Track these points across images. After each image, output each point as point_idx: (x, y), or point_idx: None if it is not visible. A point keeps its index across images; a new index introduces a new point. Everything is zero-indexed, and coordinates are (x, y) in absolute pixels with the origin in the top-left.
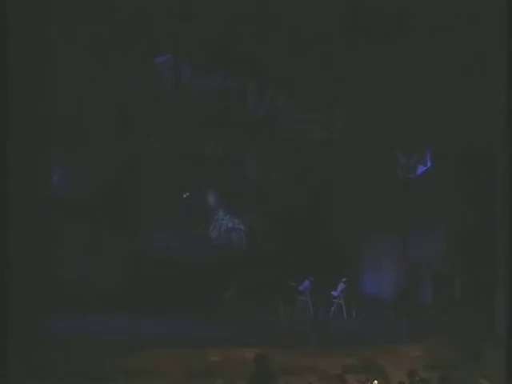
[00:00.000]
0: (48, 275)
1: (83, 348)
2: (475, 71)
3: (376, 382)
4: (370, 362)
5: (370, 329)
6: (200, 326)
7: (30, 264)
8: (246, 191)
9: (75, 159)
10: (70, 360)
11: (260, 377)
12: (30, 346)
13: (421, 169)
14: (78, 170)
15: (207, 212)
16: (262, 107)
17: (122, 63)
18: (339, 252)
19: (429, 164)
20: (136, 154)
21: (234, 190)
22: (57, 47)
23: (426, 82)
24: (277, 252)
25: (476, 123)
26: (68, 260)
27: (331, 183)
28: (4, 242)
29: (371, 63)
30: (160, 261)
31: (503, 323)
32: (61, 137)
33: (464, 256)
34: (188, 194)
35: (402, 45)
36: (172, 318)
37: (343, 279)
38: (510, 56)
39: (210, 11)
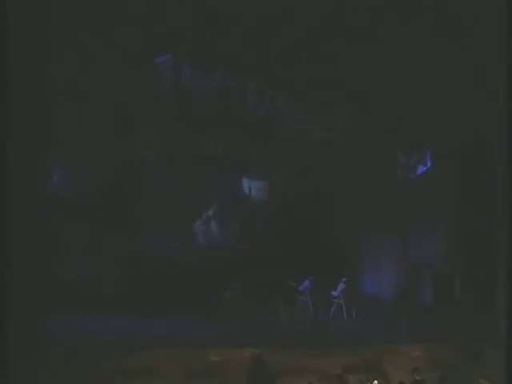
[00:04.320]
0: (48, 275)
1: (83, 348)
2: (475, 71)
3: (376, 382)
4: (370, 362)
5: (370, 329)
6: (200, 326)
7: (30, 264)
8: (246, 191)
9: (75, 159)
10: (70, 360)
11: (256, 376)
12: (30, 346)
13: (421, 169)
14: (78, 170)
15: (207, 212)
16: (262, 107)
17: (122, 63)
18: (339, 252)
19: (429, 164)
20: (136, 154)
21: (233, 189)
22: (57, 47)
23: (426, 82)
24: (277, 252)
25: (476, 123)
26: (68, 260)
27: (331, 183)
28: (4, 242)
29: (371, 63)
30: (160, 261)
31: (503, 323)
32: (61, 137)
33: (464, 256)
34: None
35: (402, 45)
36: (172, 317)
37: (343, 279)
38: (510, 56)
39: (210, 11)
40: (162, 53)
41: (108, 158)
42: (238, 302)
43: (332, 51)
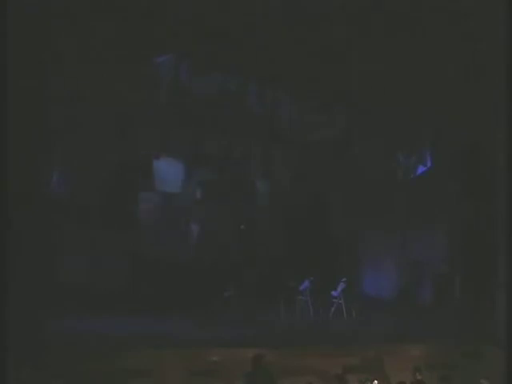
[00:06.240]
0: (48, 275)
1: (83, 348)
2: (475, 71)
3: (376, 381)
4: (370, 362)
5: (370, 329)
6: (200, 327)
7: (30, 264)
8: (246, 191)
9: (75, 159)
10: (70, 360)
11: (256, 376)
12: (30, 347)
13: (421, 169)
14: (78, 170)
15: (207, 212)
16: (262, 107)
17: (122, 63)
18: (339, 252)
19: (429, 164)
20: (136, 153)
21: (233, 190)
22: (57, 46)
23: (426, 81)
24: (277, 252)
25: (476, 123)
26: (68, 260)
27: (331, 183)
28: (4, 242)
29: (371, 63)
30: (160, 261)
31: (503, 323)
32: (61, 136)
33: (464, 256)
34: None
35: (402, 44)
36: (172, 318)
37: (343, 279)
38: (510, 56)
39: (210, 11)
40: (162, 53)
41: (108, 158)
42: (238, 301)
43: (333, 51)
